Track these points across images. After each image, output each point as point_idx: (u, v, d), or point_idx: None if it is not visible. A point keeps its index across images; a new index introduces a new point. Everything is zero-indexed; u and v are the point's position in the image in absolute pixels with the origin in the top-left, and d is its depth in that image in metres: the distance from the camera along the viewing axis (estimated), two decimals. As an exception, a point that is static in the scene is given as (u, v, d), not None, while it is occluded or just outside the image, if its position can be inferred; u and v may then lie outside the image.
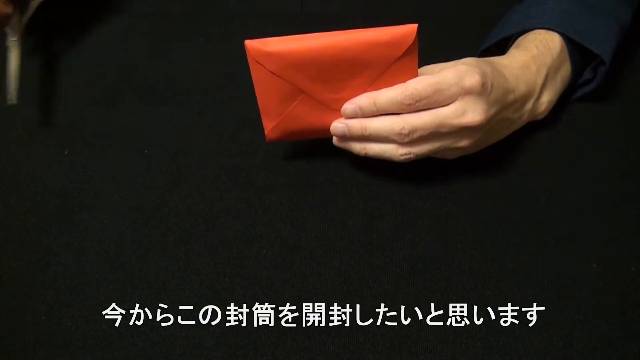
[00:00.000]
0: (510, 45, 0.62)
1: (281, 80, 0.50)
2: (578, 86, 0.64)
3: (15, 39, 0.57)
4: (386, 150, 0.53)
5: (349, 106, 0.52)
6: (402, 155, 0.52)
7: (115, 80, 0.65)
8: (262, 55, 0.49)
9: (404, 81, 0.51)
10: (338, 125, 0.53)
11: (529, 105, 0.58)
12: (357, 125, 0.52)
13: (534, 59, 0.58)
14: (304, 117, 0.53)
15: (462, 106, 0.50)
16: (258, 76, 0.51)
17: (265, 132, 0.54)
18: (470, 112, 0.51)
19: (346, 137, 0.53)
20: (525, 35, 0.61)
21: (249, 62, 0.50)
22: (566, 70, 0.61)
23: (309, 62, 0.49)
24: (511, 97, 0.55)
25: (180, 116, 0.62)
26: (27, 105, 0.63)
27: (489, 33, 0.66)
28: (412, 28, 0.49)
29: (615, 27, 0.61)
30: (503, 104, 0.54)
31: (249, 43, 0.49)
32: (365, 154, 0.54)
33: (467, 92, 0.50)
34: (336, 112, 0.53)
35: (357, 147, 0.54)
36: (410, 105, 0.50)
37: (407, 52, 0.49)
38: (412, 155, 0.52)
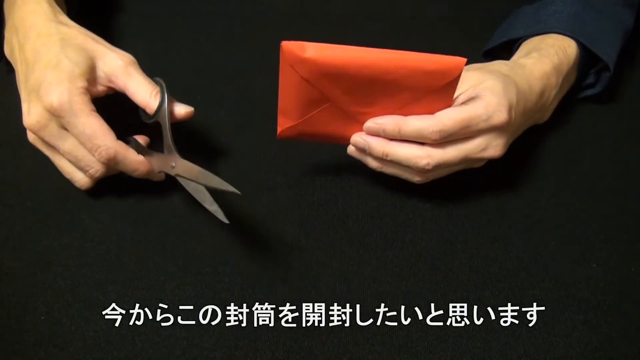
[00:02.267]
0: (518, 46, 0.61)
1: (311, 86, 0.47)
2: (580, 88, 0.64)
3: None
4: (403, 174, 0.52)
5: (372, 125, 0.50)
6: (418, 181, 0.52)
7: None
8: (298, 60, 0.45)
9: (434, 109, 0.49)
10: (359, 141, 0.51)
11: (538, 115, 0.59)
12: (379, 149, 0.50)
13: (555, 69, 0.57)
14: (324, 123, 0.51)
15: (486, 141, 0.51)
16: (286, 77, 0.48)
17: (279, 129, 0.52)
18: (493, 147, 0.51)
19: (364, 152, 0.52)
20: (542, 38, 0.60)
21: (281, 63, 0.47)
22: (573, 76, 0.61)
23: (344, 76, 0.46)
24: (528, 112, 0.55)
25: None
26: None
27: (491, 33, 0.66)
28: (459, 62, 0.46)
29: (621, 32, 0.61)
30: (521, 124, 0.54)
31: (286, 45, 0.45)
32: (381, 171, 0.53)
33: (493, 129, 0.50)
34: (358, 124, 0.51)
35: (373, 164, 0.53)
36: (436, 140, 0.49)
37: (447, 84, 0.47)
38: (427, 181, 0.53)
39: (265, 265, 0.51)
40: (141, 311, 0.48)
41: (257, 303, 0.49)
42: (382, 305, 0.49)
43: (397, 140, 0.50)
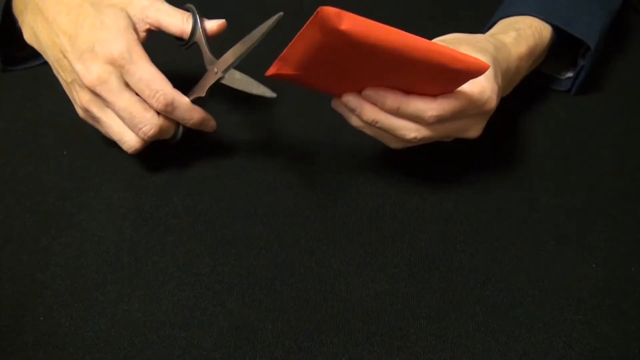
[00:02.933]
0: (494, 23, 0.63)
1: (329, 52, 0.44)
2: (574, 78, 0.65)
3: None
4: (383, 138, 0.53)
5: (372, 94, 0.49)
6: (394, 147, 0.53)
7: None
8: (331, 29, 0.41)
9: (436, 91, 0.48)
10: (352, 101, 0.50)
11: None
12: (371, 115, 0.50)
13: (530, 52, 0.59)
14: (322, 79, 0.49)
15: (471, 122, 0.52)
16: (307, 35, 0.44)
17: (272, 70, 0.49)
18: (475, 129, 0.52)
19: (352, 111, 0.51)
20: (521, 18, 0.61)
21: (309, 24, 0.42)
22: (543, 57, 0.63)
23: (370, 54, 0.43)
24: (501, 91, 0.55)
25: (180, 116, 0.62)
26: (27, 105, 0.64)
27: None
28: (484, 67, 0.45)
29: (599, 12, 0.62)
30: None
31: (325, 11, 0.41)
32: (361, 130, 0.52)
33: (482, 114, 0.51)
34: (355, 87, 0.49)
35: (356, 123, 0.52)
36: (431, 122, 0.49)
37: (462, 79, 0.47)
38: (402, 147, 0.53)
39: (265, 265, 0.51)
40: (140, 311, 0.48)
41: (256, 303, 0.49)
42: (382, 305, 0.49)
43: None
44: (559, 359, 0.47)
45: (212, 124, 0.55)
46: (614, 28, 0.66)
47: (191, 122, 0.53)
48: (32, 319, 0.48)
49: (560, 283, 0.51)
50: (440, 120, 0.49)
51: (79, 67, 0.51)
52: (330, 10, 0.40)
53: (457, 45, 0.52)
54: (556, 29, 0.62)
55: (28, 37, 0.57)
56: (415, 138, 0.50)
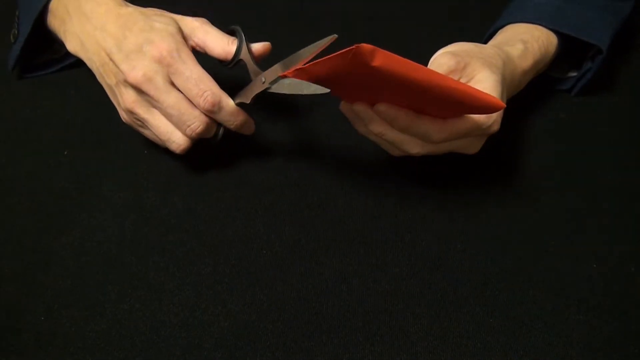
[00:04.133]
0: (502, 27, 0.63)
1: (354, 78, 0.44)
2: (578, 79, 0.65)
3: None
4: (385, 147, 0.53)
5: (385, 111, 0.48)
6: (395, 155, 0.53)
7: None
8: (363, 63, 0.41)
9: (447, 116, 0.49)
10: (362, 112, 0.49)
11: None
12: (379, 128, 0.50)
13: (534, 67, 0.60)
14: (338, 88, 0.48)
15: (472, 141, 0.52)
16: (337, 63, 0.42)
17: (286, 73, 0.49)
18: (474, 147, 0.53)
19: (360, 119, 0.51)
20: (529, 28, 0.61)
21: (344, 54, 0.41)
22: (544, 69, 0.63)
23: (393, 86, 0.44)
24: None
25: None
26: (27, 105, 0.64)
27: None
28: (499, 106, 0.47)
29: (609, 18, 0.62)
30: None
31: (363, 48, 0.40)
32: (365, 136, 0.53)
33: (485, 135, 0.52)
34: (370, 98, 0.49)
35: (362, 130, 0.52)
36: (436, 142, 0.50)
37: (478, 112, 0.49)
38: (403, 156, 0.53)
39: (265, 265, 0.51)
40: (141, 311, 0.48)
41: (256, 303, 0.49)
42: (382, 305, 0.49)
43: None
44: (559, 359, 0.47)
45: (252, 127, 0.56)
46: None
47: (234, 124, 0.54)
48: (32, 319, 0.48)
49: (560, 283, 0.51)
50: (446, 140, 0.50)
51: (124, 66, 0.51)
52: (366, 48, 0.41)
53: (468, 58, 0.52)
54: (564, 37, 0.61)
55: (73, 45, 0.57)
56: (418, 153, 0.51)
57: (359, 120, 0.51)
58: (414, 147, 0.51)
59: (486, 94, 0.47)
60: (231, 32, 0.55)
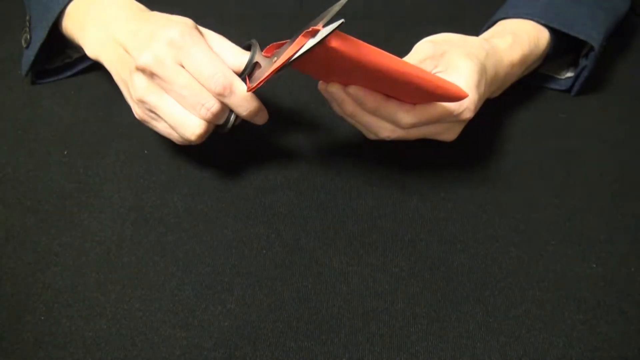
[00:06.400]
0: (494, 23, 0.63)
1: (323, 62, 0.46)
2: (574, 78, 0.65)
3: None
4: (361, 129, 0.54)
5: (354, 93, 0.50)
6: (371, 139, 0.55)
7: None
8: (323, 45, 0.44)
9: (416, 101, 0.50)
10: (336, 93, 0.51)
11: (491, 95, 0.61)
12: (350, 108, 0.51)
13: (523, 60, 0.60)
14: (314, 71, 0.50)
15: (446, 127, 0.53)
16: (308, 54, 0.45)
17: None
18: (448, 134, 0.54)
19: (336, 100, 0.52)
20: (520, 21, 0.62)
21: (302, 39, 0.45)
22: (537, 64, 0.64)
23: (357, 69, 0.46)
24: (486, 95, 0.57)
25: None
26: (28, 105, 0.64)
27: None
28: (462, 95, 0.49)
29: (602, 15, 0.63)
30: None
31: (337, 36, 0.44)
32: (341, 117, 0.54)
33: (458, 121, 0.53)
34: (345, 80, 0.50)
35: (338, 111, 0.53)
36: (405, 127, 0.51)
37: (442, 100, 0.50)
38: (379, 140, 0.54)
39: (265, 265, 0.51)
40: (141, 311, 0.48)
41: (256, 303, 0.49)
42: (382, 305, 0.49)
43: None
44: (559, 359, 0.47)
45: (265, 116, 0.53)
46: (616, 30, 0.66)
47: (247, 111, 0.51)
48: (32, 318, 0.48)
49: (560, 283, 0.51)
50: (415, 126, 0.51)
51: (136, 52, 0.50)
52: (339, 36, 0.44)
53: (447, 46, 0.53)
54: (556, 33, 0.62)
55: (92, 49, 0.57)
56: (388, 137, 0.52)
57: (333, 101, 0.52)
58: (384, 131, 0.52)
59: (450, 83, 0.49)
60: (247, 47, 0.53)
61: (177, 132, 0.51)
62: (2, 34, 0.69)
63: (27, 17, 0.63)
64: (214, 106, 0.50)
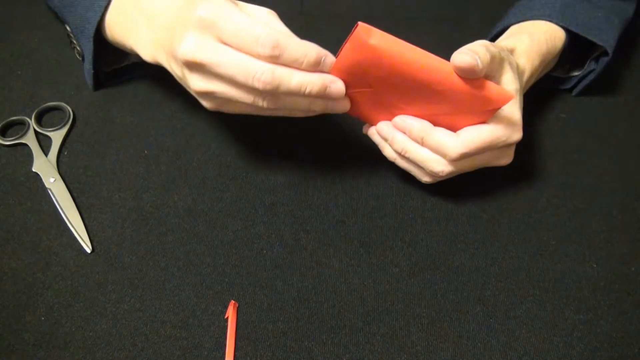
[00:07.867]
0: (506, 28, 0.62)
1: (362, 70, 0.46)
2: (579, 80, 0.65)
3: None
4: (414, 171, 0.54)
5: (401, 122, 0.51)
6: (426, 181, 0.54)
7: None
8: (361, 43, 0.44)
9: (463, 123, 0.50)
10: (385, 129, 0.52)
11: None
12: (401, 144, 0.51)
13: (543, 60, 0.59)
14: (356, 102, 0.50)
15: (500, 153, 0.52)
16: (346, 55, 0.45)
17: None
18: (505, 157, 0.53)
19: (385, 140, 0.53)
20: (534, 22, 0.61)
21: (350, 41, 0.44)
22: (553, 64, 0.63)
23: (398, 72, 0.46)
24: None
25: (180, 116, 0.62)
26: (27, 105, 0.64)
27: (490, 32, 0.66)
28: (508, 97, 0.47)
29: (616, 20, 0.62)
30: None
31: (361, 27, 0.43)
32: (393, 162, 0.54)
33: (509, 146, 0.52)
34: (386, 113, 0.51)
35: (389, 154, 0.54)
36: (455, 160, 0.50)
37: (488, 110, 0.49)
38: (434, 182, 0.54)
39: (265, 265, 0.51)
40: (141, 311, 0.48)
41: (257, 303, 0.49)
42: (382, 305, 0.49)
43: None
44: (559, 359, 0.47)
45: (340, 85, 0.47)
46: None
47: (306, 60, 0.45)
48: (32, 318, 0.48)
49: (560, 283, 0.51)
50: (463, 158, 0.50)
51: (175, 45, 0.46)
52: (363, 26, 0.44)
53: (504, 55, 0.51)
54: (570, 35, 0.61)
55: (147, 53, 0.53)
56: (442, 172, 0.51)
57: (384, 143, 0.53)
58: (438, 165, 0.51)
59: (490, 82, 0.47)
60: None
61: (255, 107, 0.48)
62: (2, 34, 0.69)
63: (67, 31, 0.62)
64: (266, 74, 0.44)
